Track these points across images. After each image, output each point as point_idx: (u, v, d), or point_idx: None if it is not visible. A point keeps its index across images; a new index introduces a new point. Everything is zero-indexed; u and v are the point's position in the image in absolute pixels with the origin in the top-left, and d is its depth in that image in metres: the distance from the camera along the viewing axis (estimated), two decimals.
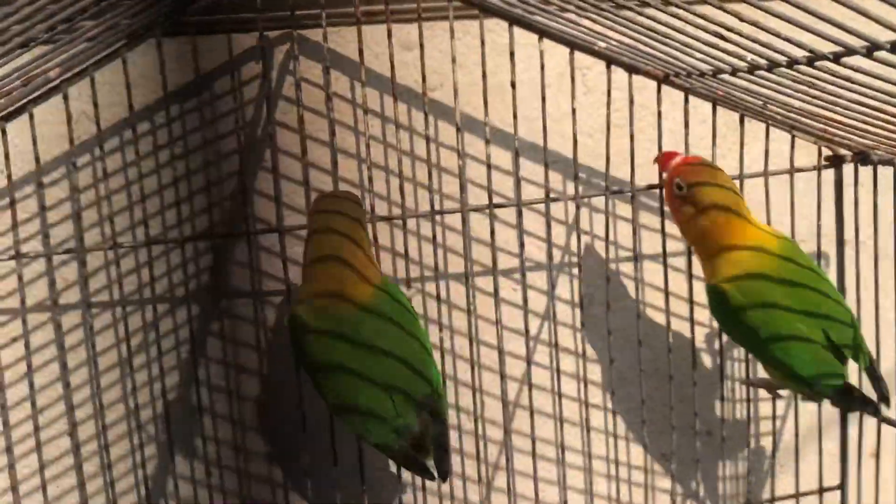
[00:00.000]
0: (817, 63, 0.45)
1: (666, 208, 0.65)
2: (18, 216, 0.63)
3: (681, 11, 0.45)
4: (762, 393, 0.75)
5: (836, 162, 0.69)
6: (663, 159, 0.63)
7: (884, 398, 0.64)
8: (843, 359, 0.62)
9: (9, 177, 0.58)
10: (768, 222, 0.68)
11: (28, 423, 0.65)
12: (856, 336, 0.62)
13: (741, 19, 0.44)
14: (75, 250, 0.59)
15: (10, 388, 0.65)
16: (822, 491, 0.73)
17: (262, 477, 0.68)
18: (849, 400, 0.62)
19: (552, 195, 0.66)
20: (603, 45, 0.62)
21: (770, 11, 0.38)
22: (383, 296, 0.58)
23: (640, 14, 0.49)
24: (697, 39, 0.50)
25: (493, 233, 0.64)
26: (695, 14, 0.45)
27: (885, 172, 0.74)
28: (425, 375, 0.58)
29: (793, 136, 0.67)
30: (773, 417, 0.71)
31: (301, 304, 0.58)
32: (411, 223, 0.69)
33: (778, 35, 0.43)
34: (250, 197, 0.67)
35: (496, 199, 0.69)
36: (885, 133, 0.58)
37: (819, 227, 0.69)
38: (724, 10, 0.43)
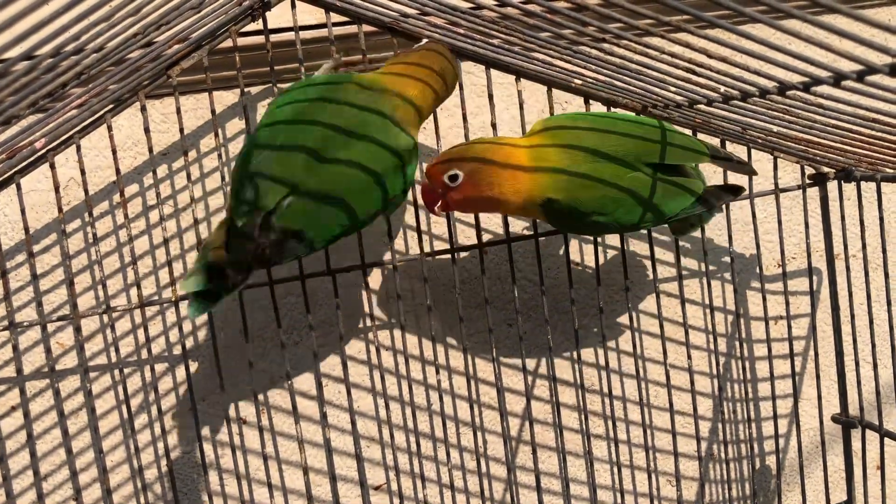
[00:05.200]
0: (789, 92, 0.46)
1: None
2: (11, 285, 0.64)
3: (645, 48, 0.46)
4: (763, 412, 0.75)
5: (819, 179, 0.69)
6: (429, 198, 0.59)
7: (745, 167, 0.63)
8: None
9: None
10: (757, 242, 0.68)
11: (32, 492, 0.65)
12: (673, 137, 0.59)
13: (709, 56, 0.45)
14: (69, 317, 0.60)
15: (12, 458, 0.65)
16: None
17: None
18: (724, 191, 0.62)
19: (540, 230, 0.66)
20: (579, 81, 0.63)
21: (736, 48, 0.39)
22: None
23: (599, 50, 0.50)
24: (669, 75, 0.50)
25: (483, 271, 0.64)
26: (659, 50, 0.46)
27: (868, 187, 0.75)
28: None
29: (775, 158, 0.67)
30: (776, 436, 0.71)
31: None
32: (402, 266, 0.69)
33: (747, 69, 0.44)
34: None
35: (484, 237, 0.70)
36: (863, 152, 0.58)
37: (808, 244, 0.69)
38: (692, 48, 0.44)
